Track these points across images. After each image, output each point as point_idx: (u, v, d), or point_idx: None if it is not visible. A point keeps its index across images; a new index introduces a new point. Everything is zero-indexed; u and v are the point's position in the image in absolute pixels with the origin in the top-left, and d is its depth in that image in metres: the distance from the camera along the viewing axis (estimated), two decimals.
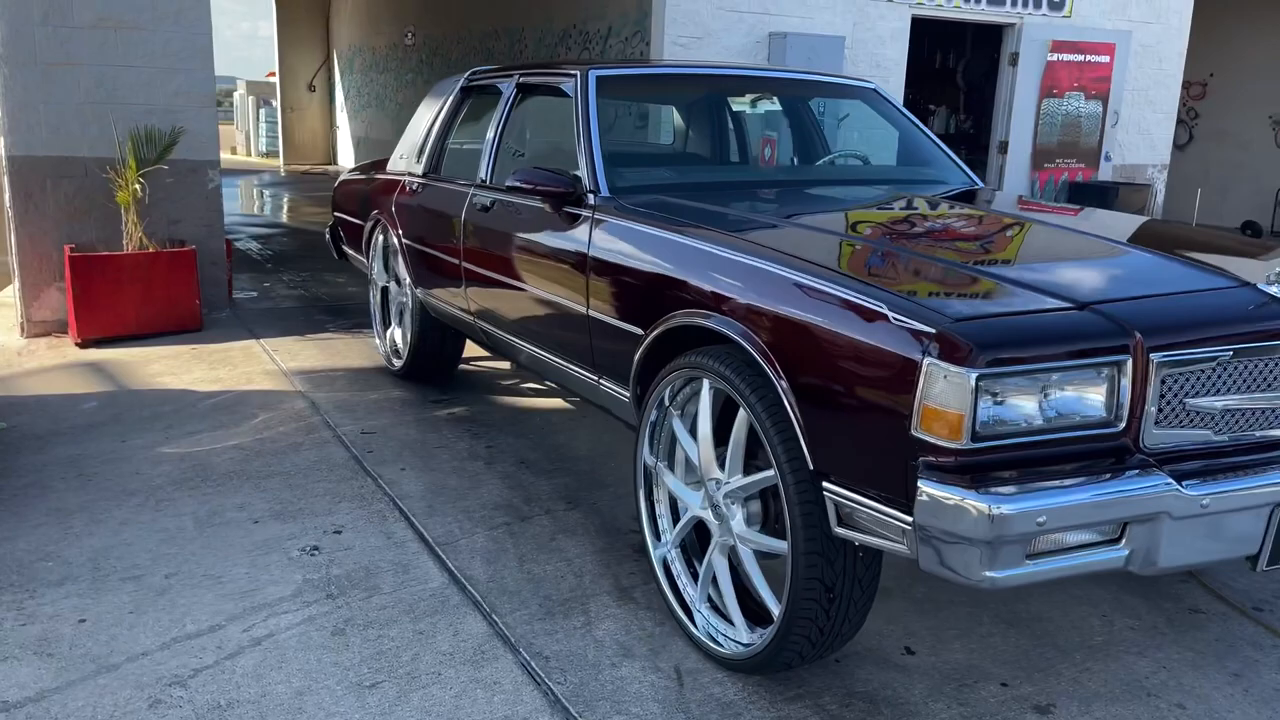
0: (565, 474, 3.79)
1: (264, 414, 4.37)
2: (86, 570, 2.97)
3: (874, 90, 3.93)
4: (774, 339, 2.20)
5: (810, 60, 7.52)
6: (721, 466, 2.49)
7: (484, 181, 3.83)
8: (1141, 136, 10.05)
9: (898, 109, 3.91)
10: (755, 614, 2.48)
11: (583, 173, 3.17)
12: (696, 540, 2.71)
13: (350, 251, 5.56)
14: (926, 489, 1.82)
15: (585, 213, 3.07)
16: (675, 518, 2.79)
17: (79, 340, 5.40)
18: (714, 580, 2.56)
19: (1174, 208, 11.56)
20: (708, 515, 2.57)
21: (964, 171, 3.79)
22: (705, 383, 2.49)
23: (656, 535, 2.81)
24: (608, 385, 3.00)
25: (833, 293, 2.11)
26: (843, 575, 2.21)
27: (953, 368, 1.81)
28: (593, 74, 3.40)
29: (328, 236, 5.86)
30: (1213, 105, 13.62)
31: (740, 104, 3.86)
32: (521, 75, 3.82)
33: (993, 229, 2.85)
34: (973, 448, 1.82)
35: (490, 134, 3.85)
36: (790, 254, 2.33)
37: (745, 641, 2.47)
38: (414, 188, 4.43)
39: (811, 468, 2.14)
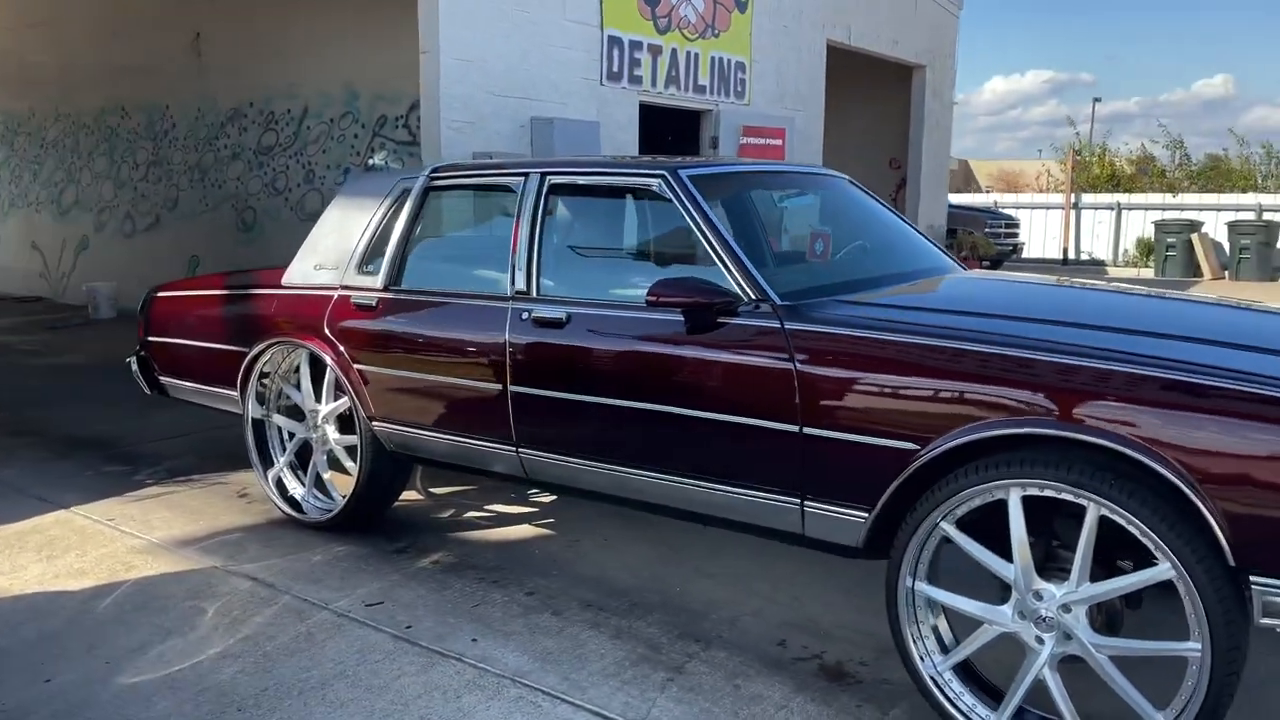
0: (650, 610, 3.41)
1: (210, 605, 3.39)
2: None
3: (848, 180, 4.08)
4: (1173, 443, 2.22)
5: (574, 144, 7.53)
6: (1041, 574, 2.45)
7: (523, 293, 3.36)
8: None
9: (872, 196, 4.09)
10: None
11: (732, 281, 2.93)
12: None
13: (186, 384, 4.53)
14: None
15: (757, 323, 2.84)
16: (936, 636, 2.67)
17: None
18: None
19: None
20: (1023, 629, 2.49)
21: (944, 252, 4.04)
22: (1013, 492, 2.43)
23: (919, 656, 2.66)
24: (821, 508, 2.78)
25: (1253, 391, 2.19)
26: (1244, 661, 2.28)
27: None
28: (684, 173, 3.16)
29: (135, 367, 4.71)
30: None
31: (783, 200, 3.79)
32: (552, 173, 3.41)
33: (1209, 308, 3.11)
34: None
35: (521, 239, 3.39)
36: (1151, 354, 2.38)
37: None
38: (371, 303, 3.73)
39: (1233, 564, 2.19)
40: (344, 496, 4.03)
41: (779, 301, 2.87)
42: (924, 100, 14.02)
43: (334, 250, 3.94)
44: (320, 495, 4.16)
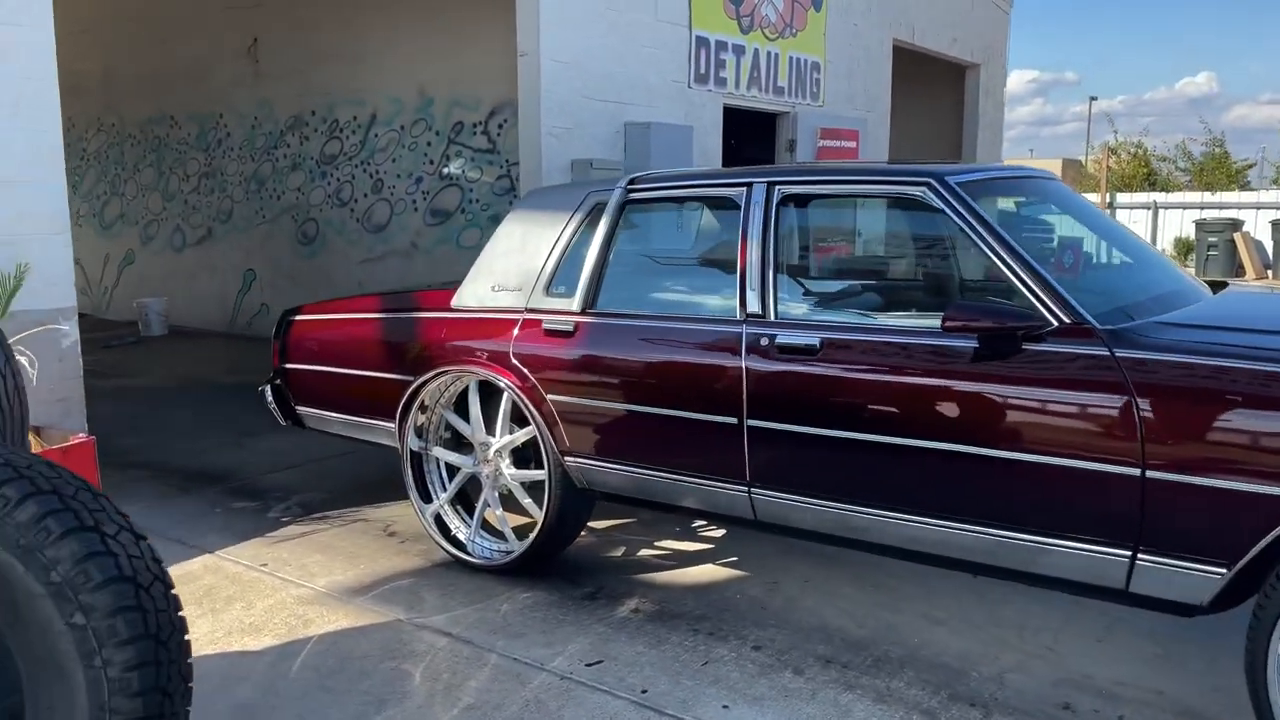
0: (900, 666, 3.07)
1: (413, 667, 3.05)
2: None
3: (1067, 187, 3.76)
4: None
5: (669, 150, 7.20)
6: None
7: (757, 315, 3.03)
8: None
9: (1089, 204, 3.77)
10: None
11: (1037, 302, 2.60)
12: None
13: (330, 415, 4.19)
14: None
15: (1077, 349, 2.51)
16: None
17: None
18: None
19: None
20: None
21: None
22: None
23: None
24: (1160, 562, 2.45)
25: None
26: None
27: None
28: (952, 179, 2.83)
29: (269, 397, 4.37)
30: None
31: (1025, 208, 3.46)
32: (783, 183, 3.08)
33: None
34: None
35: (751, 256, 3.06)
36: None
37: None
38: (567, 328, 3.40)
39: None
40: (519, 536, 3.70)
41: (1099, 325, 2.54)
42: (978, 100, 13.75)
43: (515, 271, 3.60)
44: (488, 535, 3.83)
